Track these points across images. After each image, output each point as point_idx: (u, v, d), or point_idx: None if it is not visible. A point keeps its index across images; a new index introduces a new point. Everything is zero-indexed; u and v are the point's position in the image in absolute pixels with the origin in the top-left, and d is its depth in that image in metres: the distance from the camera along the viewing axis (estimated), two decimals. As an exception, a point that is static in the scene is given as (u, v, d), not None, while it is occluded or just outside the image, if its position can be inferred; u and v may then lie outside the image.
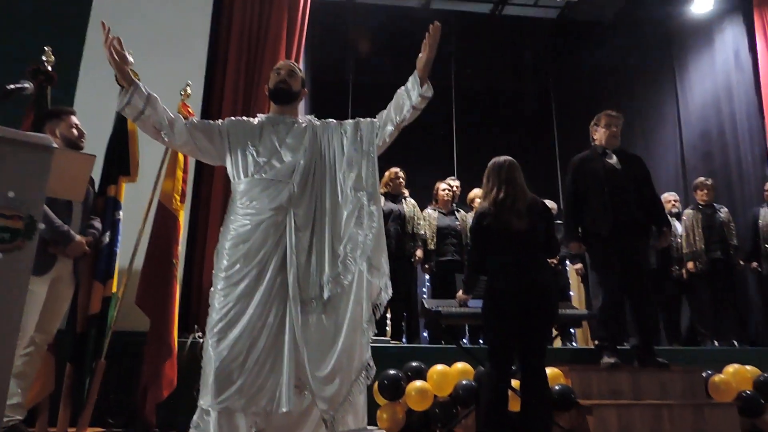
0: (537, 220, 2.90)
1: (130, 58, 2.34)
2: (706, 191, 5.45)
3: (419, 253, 4.97)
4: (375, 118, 2.54)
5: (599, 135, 4.03)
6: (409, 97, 2.40)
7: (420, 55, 2.41)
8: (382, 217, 2.40)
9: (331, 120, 2.59)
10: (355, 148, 2.46)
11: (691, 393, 3.62)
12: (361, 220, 2.34)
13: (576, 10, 8.28)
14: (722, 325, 5.18)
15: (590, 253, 3.86)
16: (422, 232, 5.05)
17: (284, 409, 2.13)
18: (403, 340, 4.92)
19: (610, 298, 3.71)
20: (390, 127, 2.47)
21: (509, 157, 3.07)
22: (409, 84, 2.43)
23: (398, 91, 2.46)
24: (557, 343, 5.57)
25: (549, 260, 5.17)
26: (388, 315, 4.97)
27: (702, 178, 5.59)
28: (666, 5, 7.23)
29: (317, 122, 2.56)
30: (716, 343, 5.07)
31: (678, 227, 5.47)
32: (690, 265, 5.29)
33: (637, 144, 8.01)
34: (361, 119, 2.55)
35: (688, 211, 5.49)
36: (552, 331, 2.95)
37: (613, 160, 3.90)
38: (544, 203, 3.04)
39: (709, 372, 3.82)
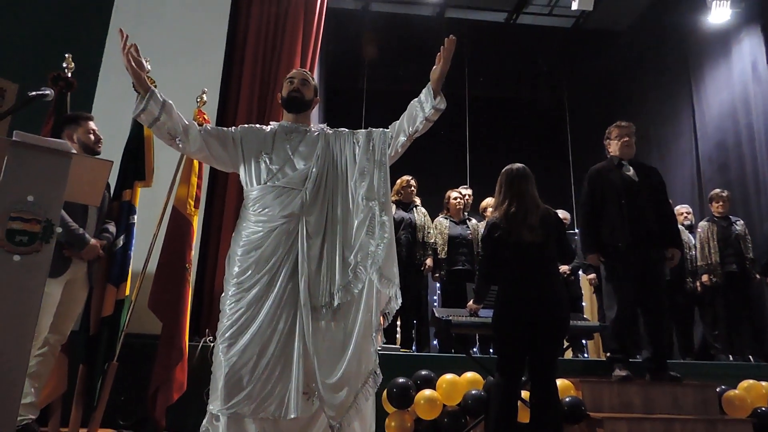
0: (550, 232, 2.89)
1: (147, 66, 2.39)
2: (721, 203, 5.40)
3: (429, 261, 4.98)
4: (387, 127, 2.56)
5: (613, 147, 4.02)
6: (423, 108, 2.42)
7: (434, 67, 2.43)
8: (393, 227, 2.41)
9: (343, 129, 2.61)
10: (367, 158, 2.47)
11: (704, 408, 3.57)
12: (372, 229, 2.36)
13: (591, 19, 8.27)
14: (737, 340, 5.11)
15: (606, 265, 3.84)
16: (432, 240, 5.05)
17: (292, 416, 2.15)
18: (413, 348, 4.92)
19: (625, 310, 3.69)
20: (402, 138, 2.48)
21: (522, 166, 3.06)
22: (422, 96, 2.45)
23: (411, 102, 2.49)
24: (568, 355, 5.53)
25: (562, 268, 5.19)
26: (398, 323, 4.98)
27: (718, 190, 5.53)
28: (682, 15, 7.19)
29: (330, 131, 2.58)
30: (731, 357, 5.00)
31: (691, 239, 5.42)
32: (704, 278, 5.23)
33: (652, 155, 7.96)
34: (374, 129, 2.57)
35: (703, 224, 5.44)
36: (563, 343, 2.91)
37: (630, 171, 3.89)
38: (556, 214, 3.03)
39: (723, 387, 3.77)
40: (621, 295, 3.71)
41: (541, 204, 2.96)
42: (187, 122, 2.42)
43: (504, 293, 2.87)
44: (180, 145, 2.42)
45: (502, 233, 2.87)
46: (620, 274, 3.74)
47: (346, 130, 2.61)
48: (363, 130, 2.59)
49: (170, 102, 2.38)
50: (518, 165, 3.06)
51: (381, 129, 2.56)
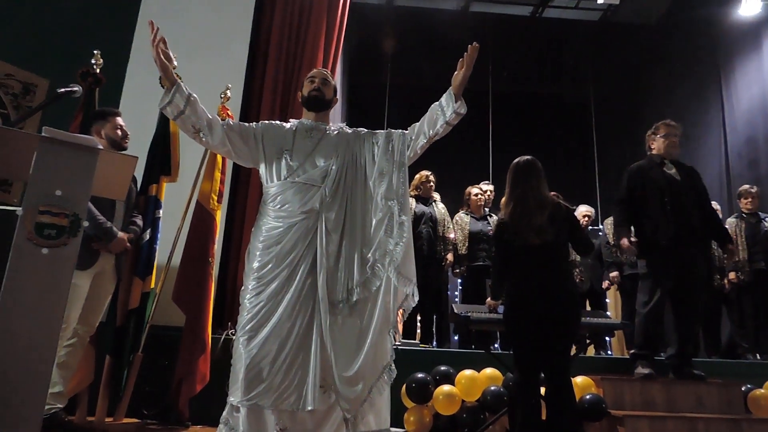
0: (560, 229, 2.82)
1: (174, 61, 2.43)
2: (750, 199, 5.28)
3: (450, 256, 4.97)
4: (408, 124, 2.59)
5: (657, 144, 3.99)
6: (444, 113, 2.47)
7: (456, 72, 2.48)
8: (411, 227, 2.46)
9: (361, 129, 2.65)
10: (386, 159, 2.52)
11: (729, 407, 3.51)
12: (391, 228, 2.40)
13: (618, 12, 8.12)
14: (764, 338, 5.00)
15: (648, 262, 3.82)
16: (451, 236, 5.04)
17: (309, 407, 2.19)
18: (433, 343, 4.92)
19: (658, 307, 3.68)
20: (422, 141, 2.53)
21: (527, 159, 2.96)
22: (443, 100, 2.50)
23: (432, 105, 2.53)
24: (591, 352, 5.48)
25: (612, 274, 5.14)
26: (419, 318, 4.98)
27: (747, 186, 5.41)
28: (712, 8, 7.02)
29: (349, 130, 2.62)
30: (758, 356, 4.90)
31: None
32: (732, 275, 5.13)
33: (680, 150, 7.80)
34: (393, 130, 2.61)
35: (731, 220, 5.33)
36: (573, 338, 2.86)
37: (672, 170, 3.88)
38: (567, 208, 2.94)
39: (749, 386, 3.70)
40: (658, 292, 3.69)
41: (550, 199, 2.87)
42: (211, 116, 2.46)
43: (512, 292, 2.84)
44: (203, 139, 2.46)
45: (509, 235, 2.83)
46: (660, 272, 3.72)
47: (365, 130, 2.65)
48: (382, 131, 2.63)
49: (195, 96, 2.42)
50: (524, 158, 2.97)
51: (400, 130, 2.60)
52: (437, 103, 2.52)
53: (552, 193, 3.04)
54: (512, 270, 2.87)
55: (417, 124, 2.58)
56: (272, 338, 2.24)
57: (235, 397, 2.23)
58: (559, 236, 2.81)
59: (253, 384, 2.20)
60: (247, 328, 2.27)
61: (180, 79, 2.45)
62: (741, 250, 5.12)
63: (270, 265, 2.32)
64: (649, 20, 8.29)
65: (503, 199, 5.17)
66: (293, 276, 2.31)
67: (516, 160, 3.00)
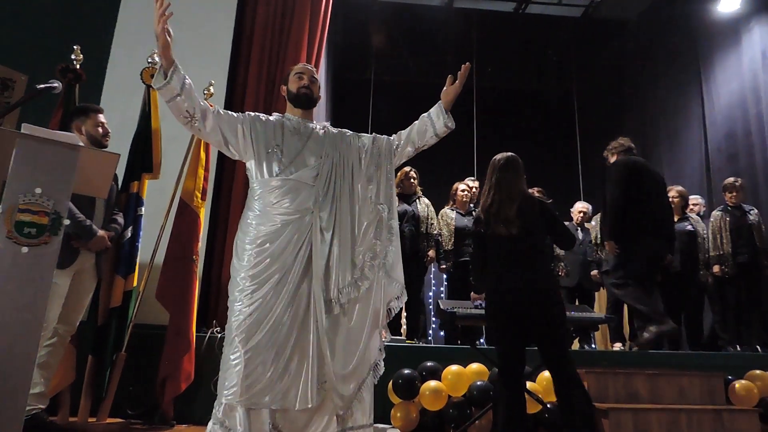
0: (532, 222, 2.79)
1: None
2: (735, 193, 5.32)
3: (431, 253, 4.95)
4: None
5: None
6: (434, 125, 2.57)
7: (446, 88, 2.59)
8: (398, 230, 2.55)
9: (346, 130, 2.67)
10: (375, 164, 2.58)
11: (711, 398, 3.56)
12: (380, 231, 2.48)
13: (600, 8, 8.19)
14: (745, 330, 5.08)
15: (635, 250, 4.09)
16: (436, 231, 5.04)
17: (310, 405, 2.22)
18: (428, 339, 4.92)
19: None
20: (410, 149, 2.64)
21: (505, 156, 2.96)
22: (433, 114, 2.59)
23: (422, 116, 2.61)
24: (575, 346, 5.53)
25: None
26: (404, 315, 4.99)
27: (731, 179, 5.46)
28: (692, 4, 7.12)
29: (334, 130, 2.62)
30: (738, 347, 4.98)
31: (700, 229, 5.37)
32: (716, 268, 5.18)
33: (661, 145, 7.91)
34: (378, 135, 2.67)
35: (716, 213, 5.37)
36: (563, 329, 2.84)
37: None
38: (541, 203, 2.90)
39: (730, 377, 3.76)
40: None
41: (524, 193, 2.86)
42: (203, 103, 2.39)
43: (489, 287, 2.84)
44: (196, 125, 2.37)
45: (483, 227, 2.84)
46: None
47: (349, 131, 2.67)
48: (367, 135, 2.68)
49: (190, 81, 2.33)
50: (503, 155, 2.97)
51: (385, 137, 2.67)
52: (426, 114, 2.61)
53: (536, 189, 3.04)
54: (488, 263, 2.87)
55: (404, 131, 2.65)
56: (270, 338, 2.23)
57: (233, 396, 2.20)
58: (530, 230, 2.78)
59: (253, 384, 2.19)
60: (243, 327, 2.24)
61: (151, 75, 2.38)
62: (725, 243, 5.18)
63: (263, 264, 2.30)
64: (630, 16, 8.37)
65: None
66: (288, 275, 2.30)
67: (495, 156, 3.00)
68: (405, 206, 4.95)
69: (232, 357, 2.24)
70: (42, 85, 2.37)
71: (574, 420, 2.62)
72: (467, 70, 2.56)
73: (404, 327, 5.04)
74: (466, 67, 2.56)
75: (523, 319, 2.70)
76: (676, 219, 5.30)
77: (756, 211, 5.32)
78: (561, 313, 2.78)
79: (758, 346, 4.92)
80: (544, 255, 2.91)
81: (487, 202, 2.85)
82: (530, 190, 2.99)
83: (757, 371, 3.81)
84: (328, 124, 2.66)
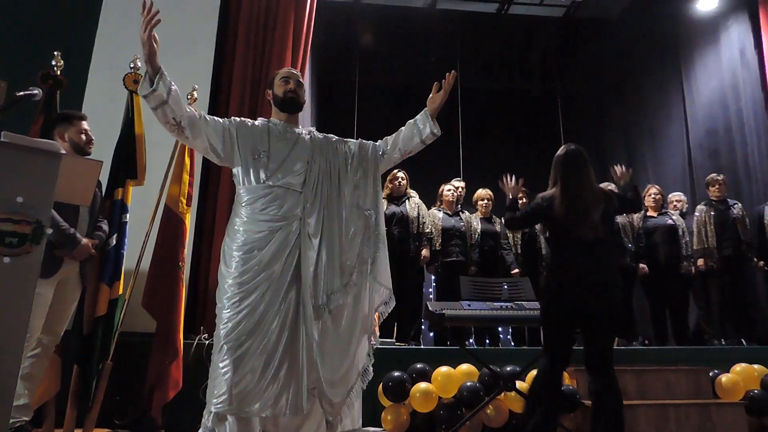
0: (612, 221, 2.86)
1: (138, 62, 2.36)
2: (718, 186, 5.38)
3: (425, 252, 4.91)
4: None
5: None
6: (420, 132, 2.59)
7: (432, 95, 2.60)
8: (386, 237, 2.57)
9: (331, 135, 2.67)
10: (362, 170, 2.59)
11: (698, 392, 3.61)
12: (368, 237, 2.50)
13: (582, 8, 8.26)
14: (730, 324, 5.14)
15: None
16: (428, 230, 5.03)
17: (303, 412, 2.22)
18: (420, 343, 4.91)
19: None
20: (397, 155, 2.65)
21: (576, 149, 2.90)
22: (419, 121, 2.60)
23: (408, 123, 2.63)
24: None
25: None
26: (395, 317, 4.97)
27: (714, 174, 5.52)
28: (672, 3, 7.20)
29: (320, 135, 2.62)
30: (723, 341, 5.05)
31: (683, 223, 5.42)
32: (701, 262, 5.23)
33: (644, 142, 8.00)
34: (364, 141, 2.68)
35: (701, 207, 5.42)
36: (616, 328, 2.84)
37: None
38: (611, 194, 2.89)
39: (716, 371, 3.81)
40: None
41: (604, 191, 2.85)
42: (189, 110, 2.36)
43: (555, 279, 2.79)
44: (184, 133, 2.34)
45: (562, 230, 2.78)
46: None
47: (335, 136, 2.67)
48: (353, 140, 2.68)
49: (176, 87, 2.30)
50: (573, 148, 2.92)
51: (371, 142, 2.68)
52: (413, 121, 2.62)
53: (604, 184, 3.00)
54: (560, 258, 2.84)
55: (390, 138, 2.66)
56: (259, 346, 2.22)
57: (222, 405, 2.17)
58: (611, 229, 2.83)
59: (244, 392, 2.17)
60: (231, 336, 2.22)
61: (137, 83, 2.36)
62: (710, 237, 5.23)
63: (252, 272, 2.28)
64: (611, 16, 8.45)
65: (480, 193, 5.24)
66: (277, 281, 2.29)
67: (563, 149, 2.94)
68: (393, 208, 4.95)
69: (221, 365, 2.22)
70: (21, 93, 2.33)
71: (607, 415, 2.61)
72: (453, 79, 2.58)
73: (395, 330, 5.01)
74: (452, 75, 2.57)
75: (583, 312, 2.67)
76: (655, 214, 5.38)
77: (740, 205, 5.39)
78: (619, 308, 2.77)
79: (743, 340, 4.99)
80: (613, 250, 2.91)
81: (571, 204, 2.76)
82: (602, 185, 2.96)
83: (742, 365, 3.87)
84: (313, 129, 2.66)
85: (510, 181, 3.12)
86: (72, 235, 2.92)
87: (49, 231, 2.01)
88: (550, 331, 2.82)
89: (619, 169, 3.07)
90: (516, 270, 5.03)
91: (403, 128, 2.65)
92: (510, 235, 5.22)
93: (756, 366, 3.85)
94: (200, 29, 4.81)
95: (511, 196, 3.08)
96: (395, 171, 5.03)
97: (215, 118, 2.49)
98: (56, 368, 3.17)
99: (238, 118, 2.56)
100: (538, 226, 5.15)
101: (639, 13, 7.89)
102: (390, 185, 5.04)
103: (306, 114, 5.72)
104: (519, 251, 5.20)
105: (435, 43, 8.45)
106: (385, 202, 4.91)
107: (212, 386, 2.23)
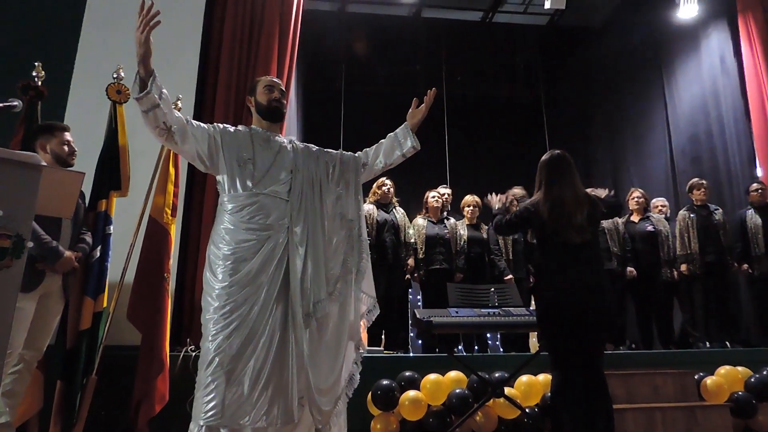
0: (598, 224, 2.88)
1: (122, 72, 2.34)
2: (702, 190, 5.41)
3: (411, 261, 4.98)
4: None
5: None
6: (401, 146, 2.64)
7: (411, 110, 2.66)
8: (368, 246, 2.60)
9: (311, 145, 2.68)
10: (343, 180, 2.60)
11: (684, 395, 3.64)
12: (351, 246, 2.52)
13: (565, 16, 8.36)
14: (715, 327, 5.19)
15: None
16: (412, 240, 5.05)
17: (294, 422, 2.22)
18: (409, 351, 4.91)
19: None
20: (378, 167, 2.69)
21: (560, 154, 2.93)
22: (400, 134, 2.65)
23: (389, 135, 2.68)
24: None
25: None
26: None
27: (697, 179, 5.57)
28: (652, 11, 7.31)
29: (301, 145, 2.63)
30: (708, 344, 5.09)
31: (667, 227, 5.48)
32: (683, 267, 5.28)
33: (627, 149, 8.10)
34: (346, 153, 2.70)
35: (683, 212, 5.45)
36: (608, 331, 2.85)
37: None
38: (596, 200, 2.90)
39: (702, 374, 3.84)
40: None
41: (588, 196, 2.86)
42: (178, 115, 2.34)
43: (549, 288, 2.78)
44: (173, 137, 2.30)
45: (550, 234, 2.79)
46: None
47: (315, 146, 2.68)
48: (334, 151, 2.70)
49: (166, 91, 2.27)
50: (557, 153, 2.95)
51: (352, 154, 2.71)
52: (393, 134, 2.67)
53: (589, 189, 3.02)
54: (546, 265, 2.84)
55: (371, 149, 2.70)
56: (250, 356, 2.20)
57: (213, 418, 2.14)
58: (596, 232, 2.85)
59: (234, 404, 2.15)
60: (222, 347, 2.19)
61: (127, 91, 2.35)
62: (693, 242, 5.27)
63: (242, 281, 2.26)
64: (594, 24, 8.57)
65: (467, 200, 5.25)
66: (266, 291, 2.27)
67: (548, 154, 2.98)
68: (384, 215, 4.96)
69: (211, 377, 2.18)
70: (1, 104, 2.31)
71: (598, 418, 2.62)
72: (433, 96, 2.64)
73: (383, 337, 5.00)
74: (432, 92, 2.64)
75: (579, 316, 2.67)
76: (637, 219, 5.43)
77: (721, 210, 5.44)
78: (611, 312, 2.78)
79: (727, 342, 5.04)
80: (600, 253, 2.95)
81: (556, 207, 2.79)
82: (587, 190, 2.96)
83: (727, 367, 3.90)
84: (294, 138, 2.67)
85: (495, 197, 3.20)
86: (54, 248, 2.88)
87: (30, 244, 1.98)
88: (554, 343, 2.76)
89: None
90: (509, 276, 5.01)
91: (383, 141, 2.69)
92: (501, 241, 5.20)
93: (740, 368, 3.89)
94: (185, 39, 4.77)
95: (497, 207, 3.12)
96: (382, 178, 5.03)
97: (201, 123, 2.47)
98: (39, 384, 3.11)
99: (220, 125, 2.53)
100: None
101: (622, 22, 8.01)
102: (378, 191, 5.05)
103: (292, 122, 5.72)
104: (510, 257, 5.19)
105: (420, 51, 8.52)
106: (374, 209, 4.92)
107: (201, 399, 2.18)
